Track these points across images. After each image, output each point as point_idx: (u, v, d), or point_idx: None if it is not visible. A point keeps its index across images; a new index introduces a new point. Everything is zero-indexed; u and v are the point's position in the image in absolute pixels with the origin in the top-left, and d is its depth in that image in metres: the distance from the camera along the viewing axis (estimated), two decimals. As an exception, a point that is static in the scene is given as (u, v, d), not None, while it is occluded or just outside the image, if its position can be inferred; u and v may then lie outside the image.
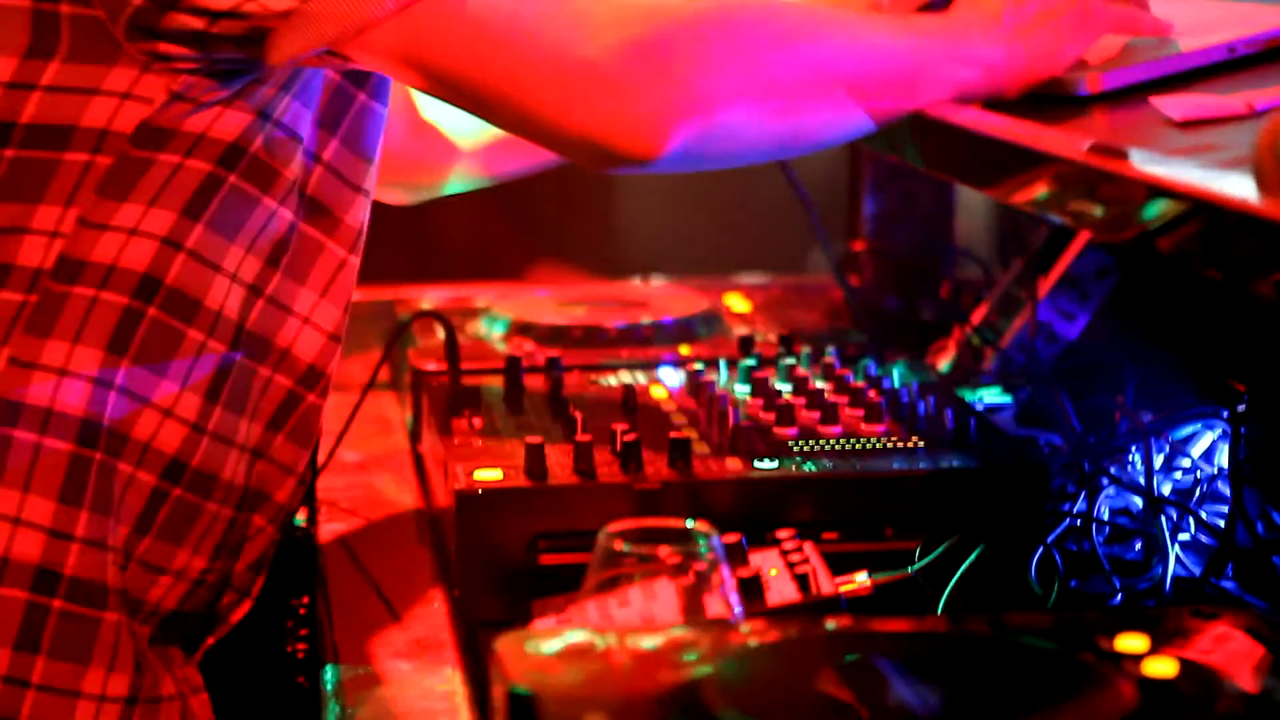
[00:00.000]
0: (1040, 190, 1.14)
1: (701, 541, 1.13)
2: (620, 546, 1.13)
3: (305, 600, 1.56)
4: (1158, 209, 1.00)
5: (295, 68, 1.26)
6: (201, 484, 1.29)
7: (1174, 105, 1.13)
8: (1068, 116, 1.21)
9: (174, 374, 1.26)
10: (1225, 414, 1.48)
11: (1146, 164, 1.04)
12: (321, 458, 1.52)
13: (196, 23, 1.17)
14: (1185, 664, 0.99)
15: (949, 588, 1.32)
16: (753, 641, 1.00)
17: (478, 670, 1.24)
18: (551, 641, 1.03)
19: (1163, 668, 0.98)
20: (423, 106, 1.63)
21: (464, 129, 1.66)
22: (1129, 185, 1.04)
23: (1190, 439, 1.53)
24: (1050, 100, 1.25)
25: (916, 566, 1.33)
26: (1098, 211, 1.06)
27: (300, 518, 1.50)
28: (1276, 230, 0.89)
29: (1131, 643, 1.01)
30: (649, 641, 1.02)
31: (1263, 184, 0.89)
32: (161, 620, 1.30)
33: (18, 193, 1.21)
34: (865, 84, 1.27)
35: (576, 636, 1.03)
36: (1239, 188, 0.93)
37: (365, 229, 1.37)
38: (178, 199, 1.24)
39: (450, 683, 1.31)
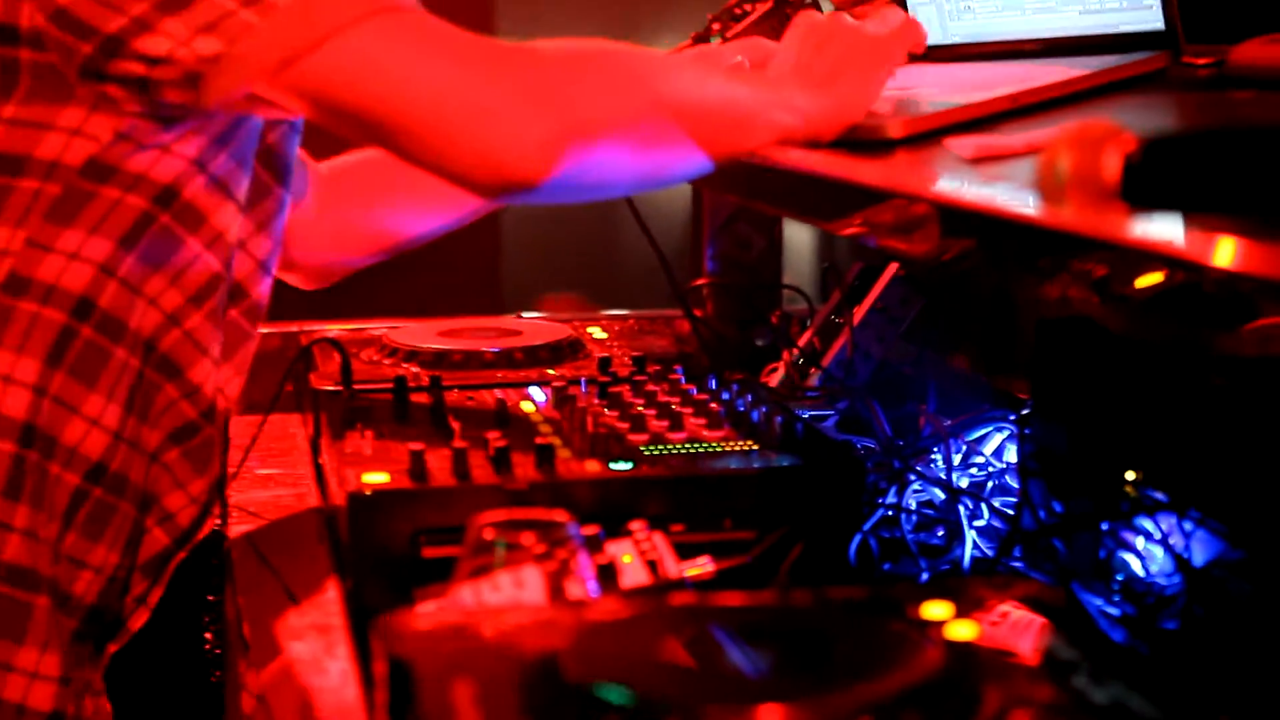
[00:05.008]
0: (854, 218, 1.15)
1: (563, 532, 1.14)
2: (491, 536, 1.13)
3: (212, 599, 1.54)
4: (953, 227, 1.02)
5: (228, 123, 1.26)
6: (117, 486, 1.28)
7: (965, 146, 1.15)
8: (878, 156, 1.22)
9: (101, 387, 1.25)
10: (1012, 418, 1.51)
11: (942, 188, 1.06)
12: (231, 469, 1.50)
13: (138, 68, 1.17)
14: (982, 628, 1.00)
15: (780, 570, 1.33)
16: (606, 618, 1.00)
17: (367, 650, 1.24)
18: (428, 620, 1.03)
19: (963, 631, 0.99)
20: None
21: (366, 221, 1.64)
22: (929, 207, 1.05)
23: (983, 439, 1.55)
24: (863, 144, 1.26)
25: (751, 552, 1.34)
26: (902, 231, 1.08)
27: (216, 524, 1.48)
28: (1055, 239, 0.91)
29: (936, 611, 1.02)
30: (515, 619, 1.02)
31: (1045, 196, 0.91)
32: (82, 615, 1.27)
33: None
34: (704, 125, 1.27)
35: (451, 616, 1.04)
36: (1020, 207, 0.95)
37: (266, 307, 1.37)
38: (115, 230, 1.23)
39: (344, 660, 1.30)
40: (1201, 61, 1.32)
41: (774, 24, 1.59)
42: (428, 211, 1.61)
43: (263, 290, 1.36)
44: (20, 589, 1.21)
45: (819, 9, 1.63)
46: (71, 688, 1.23)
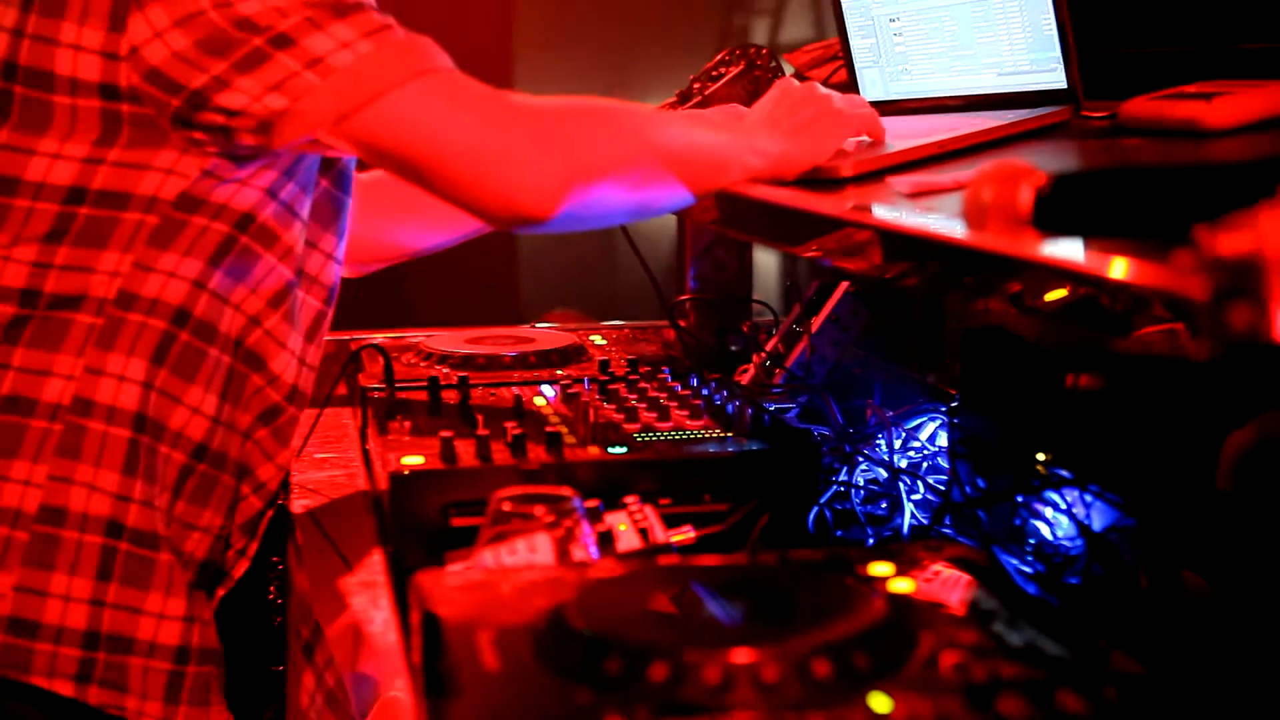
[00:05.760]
0: (812, 243, 1.15)
1: (568, 505, 1.13)
2: (508, 508, 1.12)
3: (277, 559, 1.54)
4: (893, 250, 1.02)
5: (294, 158, 1.25)
6: (217, 462, 1.28)
7: (904, 183, 1.15)
8: (831, 191, 1.21)
9: (199, 381, 1.25)
10: (943, 410, 1.51)
11: (884, 217, 1.06)
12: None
13: (218, 118, 1.17)
14: (918, 584, 1.00)
15: (751, 537, 1.32)
16: (605, 576, 1.00)
17: (405, 602, 1.23)
18: (455, 578, 1.02)
19: (902, 586, 1.00)
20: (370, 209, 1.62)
21: (396, 226, 1.64)
22: (874, 233, 1.05)
23: (919, 428, 1.55)
24: (818, 182, 1.26)
25: (726, 521, 1.33)
26: (851, 253, 1.07)
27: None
28: (978, 259, 0.90)
29: (880, 569, 1.02)
30: (528, 577, 1.02)
31: (970, 223, 0.90)
32: (195, 568, 1.28)
33: (90, 241, 1.20)
34: (687, 166, 1.27)
35: (474, 575, 1.03)
36: (949, 233, 0.95)
37: (337, 288, 1.36)
38: (204, 251, 1.23)
39: (386, 611, 1.30)
40: (1097, 115, 1.32)
41: (745, 84, 1.59)
42: (433, 229, 1.62)
43: (332, 276, 1.36)
44: (144, 548, 1.22)
45: (782, 73, 1.62)
46: (193, 625, 1.24)
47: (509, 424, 1.40)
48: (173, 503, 1.25)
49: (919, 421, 1.56)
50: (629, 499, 1.31)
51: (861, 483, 1.48)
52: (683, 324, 2.07)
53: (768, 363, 1.83)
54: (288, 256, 1.28)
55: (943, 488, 1.42)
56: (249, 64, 1.14)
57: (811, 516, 1.37)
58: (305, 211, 1.30)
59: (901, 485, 1.43)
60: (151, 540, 1.22)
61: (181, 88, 1.15)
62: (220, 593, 1.32)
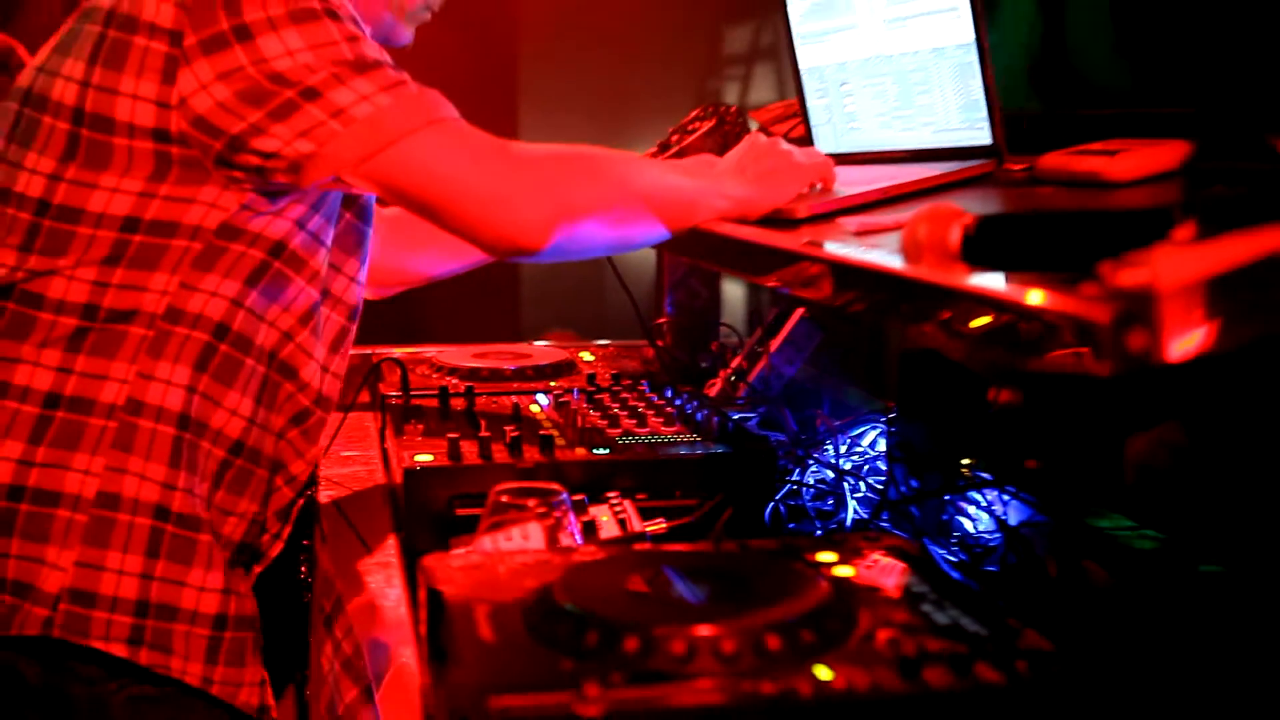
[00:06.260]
0: (772, 274, 1.15)
1: (557, 498, 1.13)
2: (505, 500, 1.12)
3: (307, 542, 1.53)
4: (842, 280, 1.02)
5: (320, 194, 1.25)
6: (253, 457, 1.27)
7: (852, 223, 1.15)
8: (789, 229, 1.22)
9: (237, 387, 1.24)
10: (882, 420, 1.51)
11: (835, 251, 1.06)
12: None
13: (255, 160, 1.17)
14: (858, 570, 1.00)
15: (715, 528, 1.32)
16: (588, 560, 1.01)
17: (414, 581, 1.23)
18: (458, 560, 1.02)
19: (845, 572, 1.00)
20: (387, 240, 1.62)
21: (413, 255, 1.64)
22: (825, 266, 1.05)
23: (861, 435, 1.56)
24: (778, 222, 1.26)
25: (694, 514, 1.33)
26: (806, 283, 1.08)
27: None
28: (914, 289, 0.91)
29: (826, 557, 1.03)
30: (521, 560, 1.02)
31: (907, 258, 0.90)
32: (233, 548, 1.27)
33: (143, 264, 1.19)
34: (663, 206, 1.27)
35: (474, 558, 1.03)
36: (890, 266, 0.95)
37: (359, 308, 1.36)
38: (242, 274, 1.22)
39: (398, 588, 1.30)
40: (1018, 167, 1.32)
41: (716, 138, 1.59)
42: (443, 259, 1.61)
43: (355, 296, 1.35)
44: (187, 530, 1.21)
45: (749, 128, 1.63)
46: (230, 596, 1.23)
47: (508, 427, 1.40)
48: (213, 491, 1.24)
49: (861, 430, 1.56)
50: (610, 494, 1.31)
51: (811, 482, 1.48)
52: (660, 343, 2.07)
53: (732, 378, 1.84)
54: (314, 279, 1.28)
55: (881, 487, 1.42)
56: (281, 113, 1.14)
57: (768, 511, 1.37)
58: (330, 240, 1.30)
59: (846, 485, 1.43)
60: (194, 523, 1.21)
61: (223, 133, 1.16)
62: (257, 569, 1.31)
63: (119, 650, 1.17)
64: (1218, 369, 1.00)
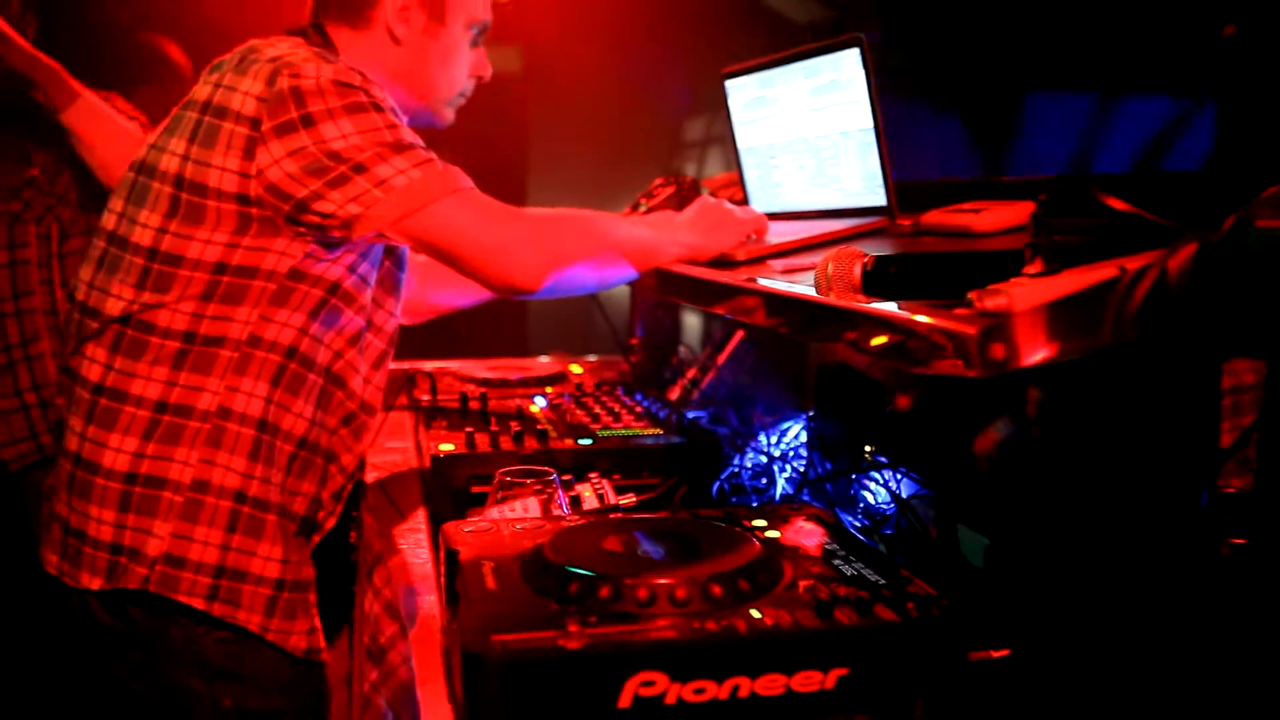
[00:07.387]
0: (719, 304, 1.13)
1: (550, 478, 1.10)
2: (509, 480, 1.09)
3: (355, 514, 1.49)
4: (772, 308, 1.00)
5: (366, 246, 1.23)
6: (313, 450, 1.24)
7: (780, 265, 1.13)
8: (731, 269, 1.20)
9: (302, 396, 1.21)
10: (805, 416, 1.48)
11: (767, 285, 1.04)
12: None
13: (315, 219, 1.14)
14: (785, 533, 0.99)
15: (673, 501, 1.29)
16: (573, 525, 0.99)
17: (437, 544, 1.20)
18: (471, 526, 0.99)
19: (774, 534, 0.99)
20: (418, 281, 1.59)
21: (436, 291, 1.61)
22: (759, 297, 1.03)
23: (788, 429, 1.53)
24: (723, 263, 1.25)
25: (657, 491, 1.30)
26: (745, 311, 1.05)
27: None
28: (827, 313, 0.89)
29: (759, 523, 1.01)
30: (521, 525, 0.99)
31: (821, 289, 0.89)
32: (297, 523, 1.23)
33: (229, 300, 1.16)
34: (633, 253, 1.25)
35: (483, 525, 1.00)
36: (808, 296, 0.93)
37: (396, 334, 1.33)
38: (306, 308, 1.20)
39: (426, 549, 1.27)
40: (906, 222, 1.31)
41: (675, 200, 1.57)
42: (462, 295, 1.60)
43: (392, 326, 1.33)
44: (259, 511, 1.18)
45: (700, 193, 1.61)
46: (291, 564, 1.19)
47: (513, 423, 1.38)
48: (285, 479, 1.21)
49: (788, 425, 1.54)
50: (592, 475, 1.29)
51: (749, 465, 1.45)
52: (633, 359, 2.06)
53: (689, 385, 1.81)
54: (361, 311, 1.26)
55: (803, 469, 1.40)
56: (336, 183, 1.13)
57: (714, 488, 1.35)
58: (374, 281, 1.27)
59: (775, 468, 1.41)
60: (265, 506, 1.18)
61: (291, 197, 1.13)
62: (316, 539, 1.28)
63: (198, 604, 1.15)
64: (1057, 374, 0.98)
